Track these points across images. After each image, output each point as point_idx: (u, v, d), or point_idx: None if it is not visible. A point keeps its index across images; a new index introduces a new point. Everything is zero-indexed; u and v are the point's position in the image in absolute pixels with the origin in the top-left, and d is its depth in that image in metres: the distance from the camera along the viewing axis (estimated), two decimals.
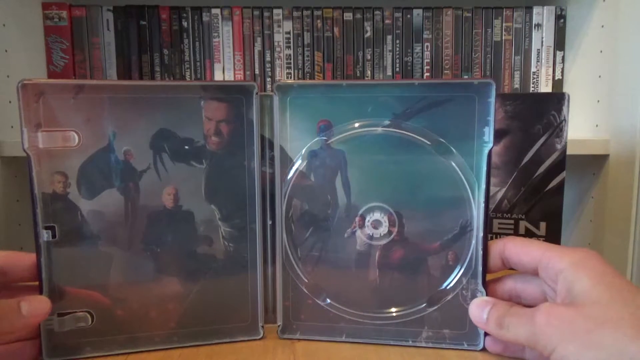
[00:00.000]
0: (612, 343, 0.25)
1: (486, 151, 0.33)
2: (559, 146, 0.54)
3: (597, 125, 0.78)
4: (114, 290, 0.34)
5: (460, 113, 0.33)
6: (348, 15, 0.83)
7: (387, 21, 0.84)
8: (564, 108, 0.53)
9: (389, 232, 0.35)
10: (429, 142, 0.34)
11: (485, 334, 0.34)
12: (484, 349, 0.34)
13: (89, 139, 0.32)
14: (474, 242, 0.33)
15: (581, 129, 0.81)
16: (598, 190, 0.77)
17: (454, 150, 0.34)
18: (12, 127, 0.75)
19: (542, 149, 0.54)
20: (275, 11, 0.83)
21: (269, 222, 0.36)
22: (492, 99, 0.33)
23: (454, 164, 0.33)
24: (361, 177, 0.35)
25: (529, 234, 0.56)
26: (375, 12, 0.83)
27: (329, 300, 0.36)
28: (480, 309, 0.32)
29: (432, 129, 0.34)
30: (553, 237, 0.55)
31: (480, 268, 0.34)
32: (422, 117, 0.34)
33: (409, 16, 0.84)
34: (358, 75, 0.84)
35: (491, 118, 0.33)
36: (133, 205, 0.33)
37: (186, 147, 0.34)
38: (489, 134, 0.33)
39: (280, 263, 0.36)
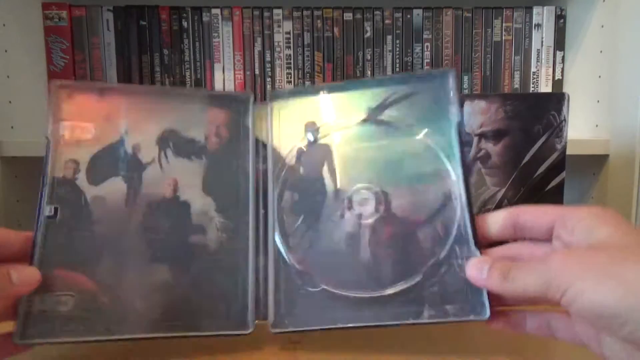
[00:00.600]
0: (633, 276, 0.23)
1: (454, 124, 0.36)
2: (559, 146, 0.54)
3: (597, 125, 0.78)
4: (102, 275, 0.33)
5: (429, 99, 0.37)
6: (348, 15, 0.83)
7: (387, 21, 0.84)
8: (564, 108, 0.53)
9: (377, 210, 0.35)
10: (405, 126, 0.37)
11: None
12: (490, 319, 0.32)
13: (104, 133, 0.36)
14: (459, 210, 0.34)
15: (581, 129, 0.81)
16: (598, 190, 0.77)
17: (427, 129, 0.37)
18: (12, 127, 0.75)
19: (542, 149, 0.54)
20: (275, 11, 0.83)
21: (262, 212, 0.37)
22: (452, 83, 0.37)
23: (429, 141, 0.36)
24: (347, 163, 0.37)
25: None
26: (375, 12, 0.83)
27: (322, 286, 0.35)
28: (477, 268, 0.30)
29: (406, 115, 0.37)
30: None
31: (470, 232, 0.33)
32: (396, 107, 0.38)
33: (409, 16, 0.84)
34: (358, 75, 0.84)
35: (454, 97, 0.37)
36: (134, 193, 0.35)
37: (189, 145, 0.37)
38: (455, 111, 0.36)
39: (272, 253, 0.35)
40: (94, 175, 0.35)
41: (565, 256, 0.26)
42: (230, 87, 0.84)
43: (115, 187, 0.35)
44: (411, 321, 0.33)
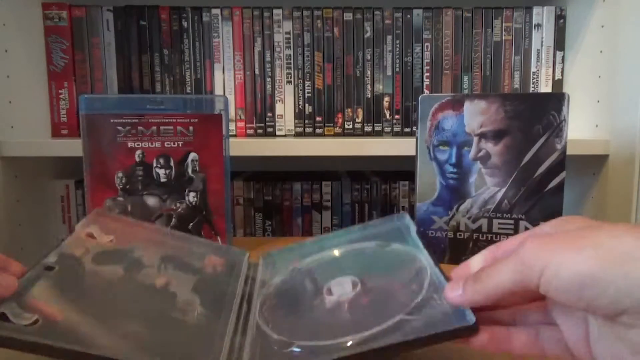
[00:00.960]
0: (608, 242, 0.23)
1: (414, 233, 0.44)
2: (559, 146, 0.54)
3: (597, 125, 0.78)
4: (73, 316, 0.34)
5: (393, 230, 0.46)
6: (348, 15, 0.83)
7: (387, 21, 0.84)
8: (564, 108, 0.53)
9: (354, 289, 0.38)
10: (375, 244, 0.45)
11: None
12: (477, 327, 0.30)
13: (118, 243, 0.43)
14: (429, 269, 0.37)
15: (581, 129, 0.81)
16: (598, 190, 0.77)
17: (395, 243, 0.44)
18: (12, 127, 0.75)
19: (542, 149, 0.54)
20: (275, 11, 0.83)
21: (245, 308, 0.39)
22: (409, 220, 0.46)
23: (397, 247, 0.43)
24: (326, 271, 0.42)
25: None
26: (375, 12, 0.83)
27: (300, 344, 0.34)
28: (453, 288, 0.30)
29: (376, 240, 0.45)
30: None
31: (442, 278, 0.35)
32: (367, 240, 0.46)
33: (409, 16, 0.84)
34: (358, 75, 0.84)
35: (412, 225, 0.45)
36: (129, 277, 0.39)
37: (187, 266, 0.43)
38: (413, 228, 0.45)
39: (251, 334, 0.36)
40: (99, 260, 0.40)
41: (537, 239, 0.26)
42: (230, 87, 0.84)
43: (113, 270, 0.39)
44: (396, 340, 0.31)
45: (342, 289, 0.38)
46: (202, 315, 0.37)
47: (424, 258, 0.39)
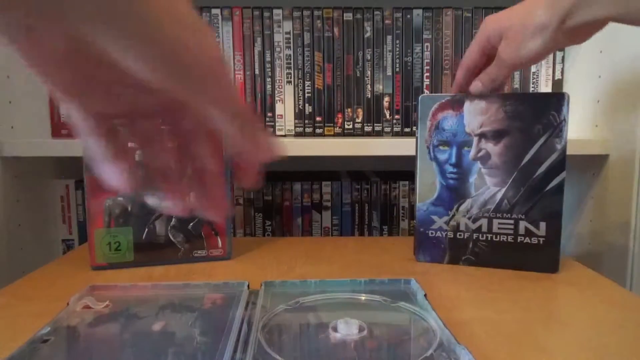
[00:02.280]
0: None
1: (422, 297, 0.45)
2: (558, 146, 0.54)
3: (596, 125, 0.78)
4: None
5: (396, 292, 0.47)
6: (348, 15, 0.83)
7: (387, 21, 0.84)
8: (564, 108, 0.53)
9: (360, 331, 0.39)
10: (382, 300, 0.46)
11: None
12: None
13: (116, 306, 0.45)
14: (439, 332, 0.38)
15: (581, 129, 0.81)
16: (598, 190, 0.77)
17: (402, 302, 0.45)
18: (12, 127, 0.75)
19: (542, 149, 0.54)
20: (275, 11, 0.83)
21: (244, 331, 0.39)
22: (416, 285, 0.48)
23: (403, 304, 0.44)
24: (331, 311, 0.43)
25: (528, 234, 0.56)
26: (375, 12, 0.83)
27: None
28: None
29: (382, 295, 0.46)
30: (553, 237, 0.55)
31: (453, 341, 0.36)
32: (372, 293, 0.47)
33: (409, 16, 0.84)
34: (358, 75, 0.84)
35: (419, 289, 0.47)
36: (125, 331, 0.40)
37: (186, 308, 0.44)
38: (421, 292, 0.46)
39: (251, 350, 0.36)
40: (94, 323, 0.42)
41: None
42: None
43: (109, 328, 0.41)
44: None
45: (348, 328, 0.38)
46: (201, 344, 0.37)
47: (433, 319, 0.40)
